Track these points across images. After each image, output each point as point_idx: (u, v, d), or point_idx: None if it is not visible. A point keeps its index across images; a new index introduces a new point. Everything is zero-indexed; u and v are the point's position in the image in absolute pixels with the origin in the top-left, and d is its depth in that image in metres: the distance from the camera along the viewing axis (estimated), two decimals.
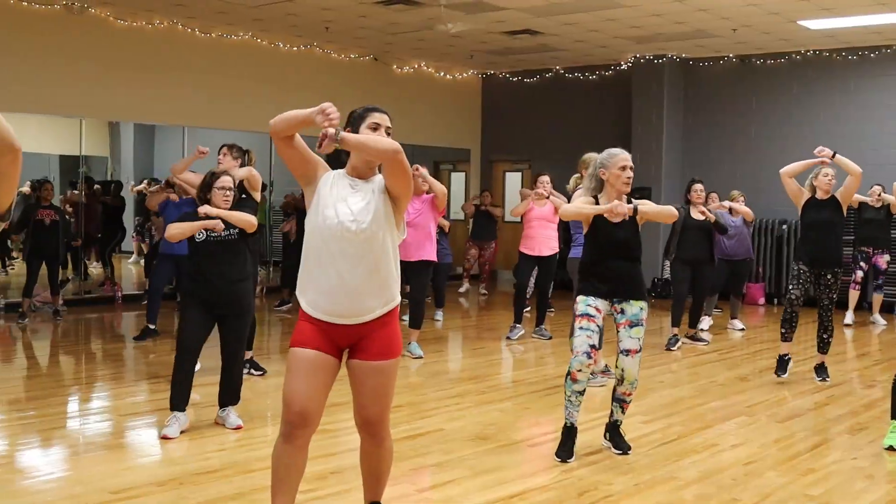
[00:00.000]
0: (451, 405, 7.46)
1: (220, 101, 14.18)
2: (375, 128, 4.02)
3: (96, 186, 14.79)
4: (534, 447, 6.36)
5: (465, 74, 17.95)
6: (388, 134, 4.04)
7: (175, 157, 14.55)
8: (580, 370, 5.79)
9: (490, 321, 12.79)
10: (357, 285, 3.91)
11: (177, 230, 6.39)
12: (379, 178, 4.05)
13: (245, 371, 8.11)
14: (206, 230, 6.38)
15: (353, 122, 4.07)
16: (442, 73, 17.54)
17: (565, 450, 5.91)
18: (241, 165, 8.13)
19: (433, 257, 9.41)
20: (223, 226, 6.39)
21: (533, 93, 17.78)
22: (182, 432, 6.32)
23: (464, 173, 18.63)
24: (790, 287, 8.40)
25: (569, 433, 5.95)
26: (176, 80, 13.70)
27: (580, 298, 5.87)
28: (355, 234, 3.90)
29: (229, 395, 6.59)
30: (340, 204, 3.93)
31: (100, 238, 14.49)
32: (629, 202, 5.88)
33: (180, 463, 5.73)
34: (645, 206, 5.89)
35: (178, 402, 6.37)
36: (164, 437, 6.19)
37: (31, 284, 11.55)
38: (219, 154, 8.11)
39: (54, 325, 11.43)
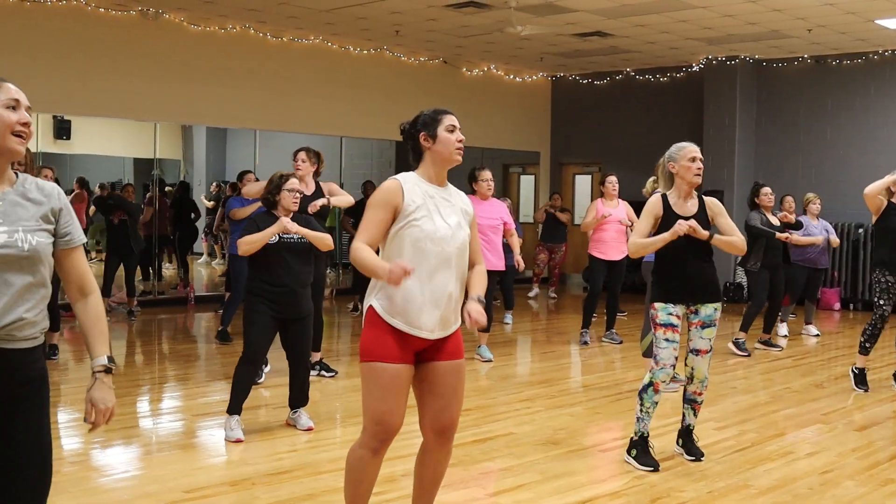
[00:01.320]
0: (521, 409, 7.42)
1: (291, 104, 14.30)
2: (452, 130, 4.00)
3: (167, 188, 15.01)
4: (605, 452, 6.29)
5: (534, 77, 17.90)
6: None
7: (246, 160, 14.74)
8: (664, 381, 5.71)
9: (560, 325, 12.73)
10: (451, 297, 3.95)
11: (248, 246, 6.32)
12: (461, 196, 4.13)
13: (315, 373, 8.17)
14: (281, 236, 6.36)
15: (427, 125, 4.01)
16: (511, 76, 17.50)
17: (651, 458, 5.81)
18: (317, 170, 8.19)
19: (499, 267, 9.34)
20: (293, 227, 6.39)
21: (603, 95, 17.66)
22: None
23: (533, 176, 18.57)
24: (881, 302, 8.11)
25: (646, 443, 5.86)
26: (247, 83, 13.85)
27: (659, 306, 5.73)
28: (455, 246, 3.96)
29: (299, 396, 6.62)
30: (436, 216, 3.94)
31: (173, 239, 14.67)
32: (700, 201, 5.80)
33: (252, 463, 5.78)
34: (719, 238, 5.79)
35: (240, 406, 6.37)
36: (237, 441, 6.19)
37: (109, 285, 11.75)
38: (296, 160, 8.12)
39: (129, 325, 11.61)
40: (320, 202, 7.68)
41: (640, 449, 5.85)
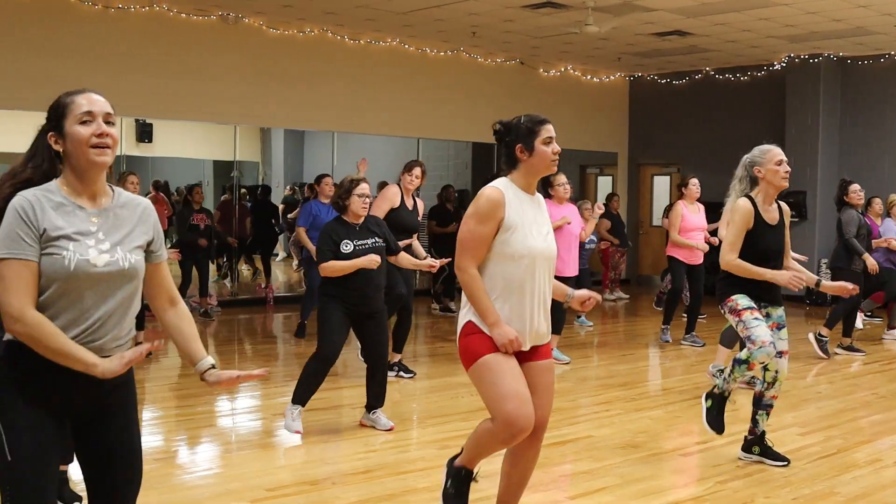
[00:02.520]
0: (601, 411, 7.36)
1: (369, 106, 14.36)
2: (549, 142, 3.98)
3: (242, 190, 15.19)
4: (686, 457, 6.20)
5: (612, 77, 17.75)
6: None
7: (324, 162, 14.86)
8: (762, 363, 5.56)
9: (637, 327, 12.59)
10: (546, 304, 4.02)
11: (331, 273, 6.32)
12: (544, 203, 4.14)
13: (394, 374, 8.18)
14: (355, 245, 6.37)
15: (522, 136, 3.98)
16: (588, 76, 17.38)
17: (721, 422, 5.71)
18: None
19: (573, 273, 9.28)
20: (379, 262, 6.34)
21: (682, 95, 17.44)
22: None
23: (611, 177, 18.42)
24: None
25: (724, 402, 5.75)
26: (325, 86, 13.94)
27: (737, 295, 5.62)
28: (550, 256, 4.01)
29: (378, 397, 6.63)
30: (532, 227, 3.96)
31: (251, 241, 14.82)
32: (779, 207, 5.69)
33: (332, 463, 5.81)
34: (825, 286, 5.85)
35: (306, 399, 6.41)
36: (297, 433, 6.26)
37: (186, 286, 11.93)
38: (412, 173, 8.26)
39: (205, 324, 11.76)
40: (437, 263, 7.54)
41: (716, 402, 5.75)
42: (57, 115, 2.94)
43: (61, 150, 2.93)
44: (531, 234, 3.93)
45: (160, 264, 3.11)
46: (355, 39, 14.21)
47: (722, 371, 7.87)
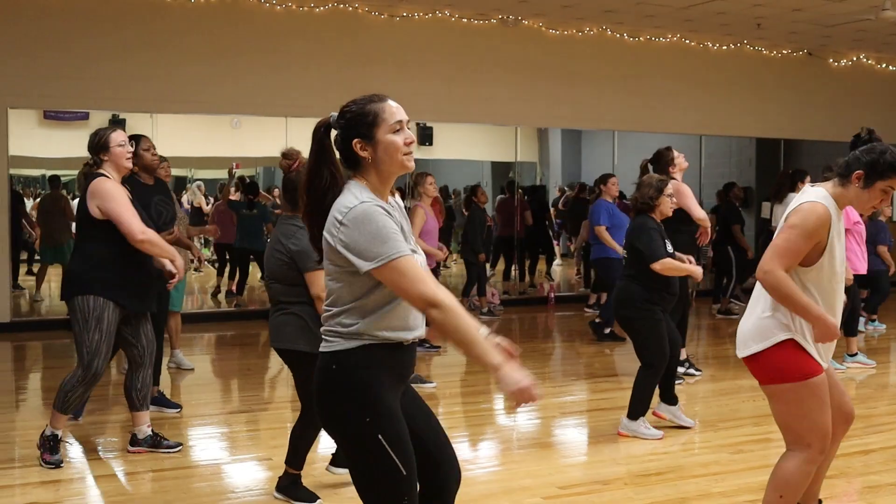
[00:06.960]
0: None
1: (649, 103, 14.11)
2: (888, 192, 3.88)
3: (519, 191, 15.37)
4: None
5: None
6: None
7: (603, 161, 14.80)
8: None
9: None
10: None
11: (670, 269, 6.26)
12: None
13: (683, 369, 8.06)
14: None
15: (874, 169, 3.82)
16: (884, 65, 16.34)
17: None
18: None
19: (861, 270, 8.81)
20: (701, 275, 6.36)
21: None
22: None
23: None
24: None
25: None
26: (603, 85, 13.82)
27: None
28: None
29: (669, 390, 6.56)
30: (839, 241, 3.91)
31: (530, 240, 14.96)
32: None
33: (623, 464, 5.75)
34: None
35: (645, 410, 6.35)
36: (658, 439, 6.21)
37: (470, 285, 12.25)
38: (676, 165, 8.18)
39: (489, 323, 11.93)
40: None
41: None
42: (367, 123, 2.96)
43: (368, 157, 2.97)
44: (842, 250, 3.91)
45: None
46: (635, 37, 14.03)
47: None
